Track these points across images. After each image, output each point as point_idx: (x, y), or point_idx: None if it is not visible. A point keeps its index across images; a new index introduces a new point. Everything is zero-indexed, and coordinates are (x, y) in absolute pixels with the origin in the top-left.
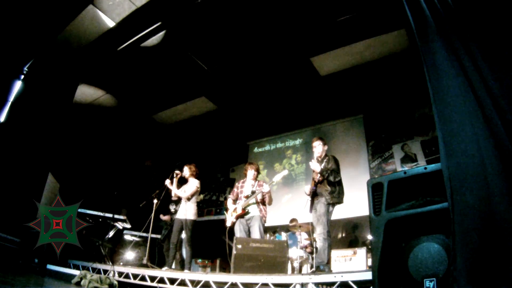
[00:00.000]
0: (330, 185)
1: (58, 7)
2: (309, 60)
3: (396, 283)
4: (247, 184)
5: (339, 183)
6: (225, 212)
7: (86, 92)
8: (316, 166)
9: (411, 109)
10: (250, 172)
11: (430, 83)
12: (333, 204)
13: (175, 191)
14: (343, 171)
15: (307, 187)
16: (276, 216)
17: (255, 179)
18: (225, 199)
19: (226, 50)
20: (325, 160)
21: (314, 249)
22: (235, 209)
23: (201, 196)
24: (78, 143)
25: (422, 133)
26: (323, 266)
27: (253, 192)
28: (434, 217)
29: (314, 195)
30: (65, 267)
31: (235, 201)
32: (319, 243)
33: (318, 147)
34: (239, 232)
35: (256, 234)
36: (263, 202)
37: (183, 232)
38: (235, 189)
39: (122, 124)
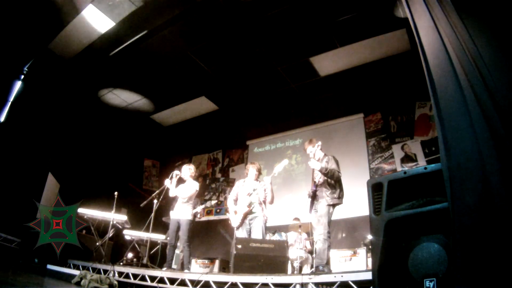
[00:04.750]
0: (330, 186)
1: (58, 7)
2: (309, 60)
3: (396, 283)
4: (248, 183)
5: (339, 184)
6: (226, 212)
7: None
8: (315, 165)
9: (411, 109)
10: (252, 172)
11: (430, 82)
12: (334, 205)
13: (173, 190)
14: (343, 171)
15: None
16: (276, 216)
17: (257, 179)
18: (225, 199)
19: (226, 50)
20: (324, 160)
21: (314, 250)
22: (241, 207)
23: (207, 203)
24: (78, 143)
25: (422, 133)
26: (322, 267)
27: (254, 189)
28: (434, 217)
29: (314, 196)
30: (65, 267)
31: (235, 201)
32: (319, 244)
33: (317, 152)
34: (240, 232)
35: (257, 234)
36: (265, 202)
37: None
38: (235, 188)
39: (122, 124)
